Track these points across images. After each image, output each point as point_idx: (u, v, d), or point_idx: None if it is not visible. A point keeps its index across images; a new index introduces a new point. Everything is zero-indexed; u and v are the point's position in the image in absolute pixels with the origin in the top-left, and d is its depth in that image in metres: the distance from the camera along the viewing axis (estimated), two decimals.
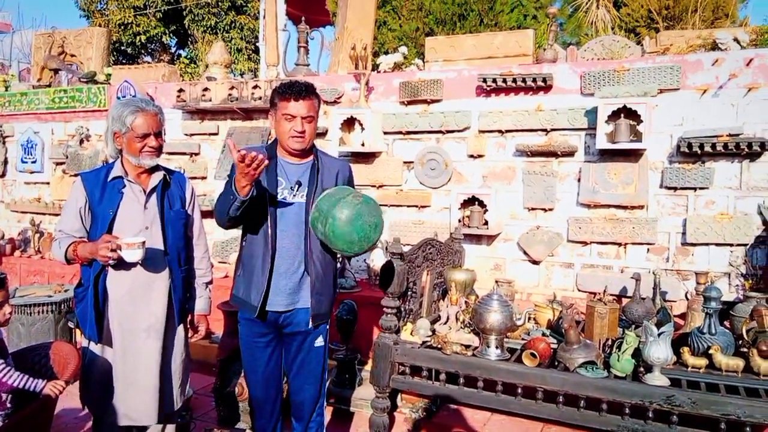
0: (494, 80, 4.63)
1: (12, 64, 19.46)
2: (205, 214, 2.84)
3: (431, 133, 5.04)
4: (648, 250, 4.43)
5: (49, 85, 7.07)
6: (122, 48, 15.76)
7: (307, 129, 2.62)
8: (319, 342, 2.78)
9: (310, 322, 2.70)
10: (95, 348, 2.64)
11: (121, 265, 2.53)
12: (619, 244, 4.48)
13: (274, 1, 6.64)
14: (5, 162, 7.15)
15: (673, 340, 3.15)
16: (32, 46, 7.66)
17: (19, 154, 6.99)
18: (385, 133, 5.19)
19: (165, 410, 2.72)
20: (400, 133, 5.14)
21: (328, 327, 2.84)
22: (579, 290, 4.58)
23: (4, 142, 7.10)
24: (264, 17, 7.80)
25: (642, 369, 2.88)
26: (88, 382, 2.67)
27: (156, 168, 2.70)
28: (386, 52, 6.24)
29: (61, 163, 6.71)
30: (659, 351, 2.78)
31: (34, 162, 6.89)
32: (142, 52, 16.39)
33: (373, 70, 5.34)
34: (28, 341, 4.19)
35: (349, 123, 5.12)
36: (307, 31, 5.68)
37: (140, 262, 2.53)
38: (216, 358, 3.97)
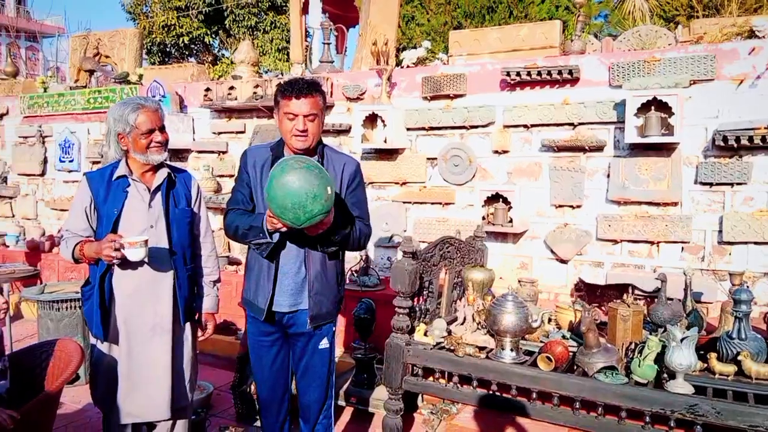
0: (518, 73, 4.49)
1: (60, 66, 20.08)
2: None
3: (455, 128, 4.93)
4: (682, 249, 4.23)
5: (86, 86, 7.24)
6: (167, 49, 16.05)
7: (310, 127, 2.57)
8: (324, 344, 2.72)
9: (308, 324, 2.64)
10: (102, 346, 2.66)
11: (127, 264, 2.54)
12: (652, 243, 4.29)
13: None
14: (45, 161, 7.37)
15: (704, 344, 2.98)
16: (69, 48, 7.86)
17: (57, 154, 7.19)
18: (408, 129, 5.11)
19: (174, 406, 2.72)
20: (423, 129, 5.05)
21: (334, 329, 2.78)
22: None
23: (43, 142, 7.31)
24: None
25: (665, 375, 2.73)
26: (95, 380, 2.69)
27: (161, 166, 2.69)
28: (414, 47, 6.16)
29: (97, 162, 6.85)
30: (682, 357, 2.62)
31: (71, 161, 7.08)
32: (186, 53, 16.68)
33: (397, 65, 5.27)
34: (57, 336, 4.27)
35: (372, 119, 5.06)
36: (331, 28, 5.64)
37: (145, 260, 2.53)
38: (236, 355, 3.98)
